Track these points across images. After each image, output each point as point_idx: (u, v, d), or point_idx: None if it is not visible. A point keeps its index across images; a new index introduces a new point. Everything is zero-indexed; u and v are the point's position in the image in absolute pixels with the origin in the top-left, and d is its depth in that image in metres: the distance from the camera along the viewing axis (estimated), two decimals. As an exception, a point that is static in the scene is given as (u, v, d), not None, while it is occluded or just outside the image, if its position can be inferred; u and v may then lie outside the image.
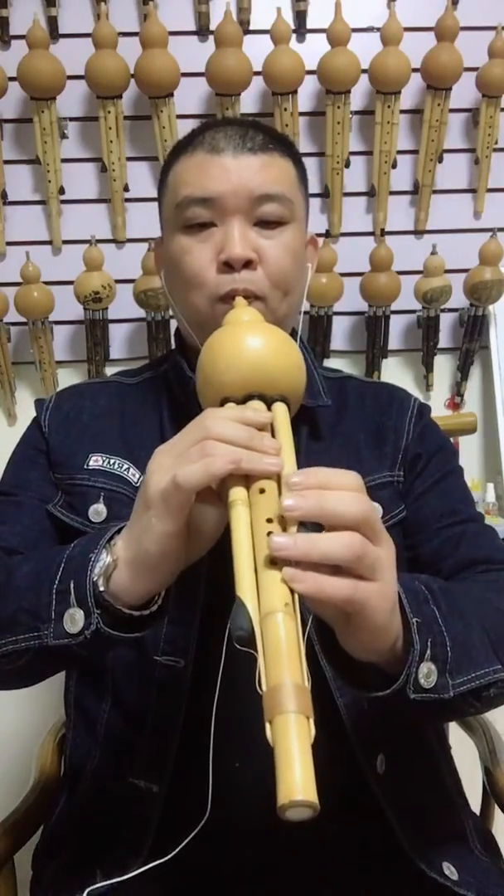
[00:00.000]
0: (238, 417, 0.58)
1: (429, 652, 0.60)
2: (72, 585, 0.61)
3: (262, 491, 0.54)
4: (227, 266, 0.77)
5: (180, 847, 0.61)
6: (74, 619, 0.60)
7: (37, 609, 0.63)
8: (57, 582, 0.62)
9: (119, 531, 0.62)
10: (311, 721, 0.43)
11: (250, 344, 0.64)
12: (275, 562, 0.49)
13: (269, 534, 0.50)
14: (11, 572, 0.69)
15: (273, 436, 0.59)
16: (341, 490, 0.51)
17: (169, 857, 0.62)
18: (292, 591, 0.48)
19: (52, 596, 0.62)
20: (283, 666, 0.45)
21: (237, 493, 0.54)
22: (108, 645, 0.61)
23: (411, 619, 0.59)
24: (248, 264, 0.77)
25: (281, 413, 0.62)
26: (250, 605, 0.48)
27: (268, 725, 0.43)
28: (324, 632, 0.57)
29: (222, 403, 0.63)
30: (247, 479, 0.55)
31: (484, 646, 0.65)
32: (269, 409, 0.62)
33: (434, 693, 0.60)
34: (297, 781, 0.40)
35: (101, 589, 0.59)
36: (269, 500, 0.53)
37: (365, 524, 0.51)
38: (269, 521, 0.52)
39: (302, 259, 0.84)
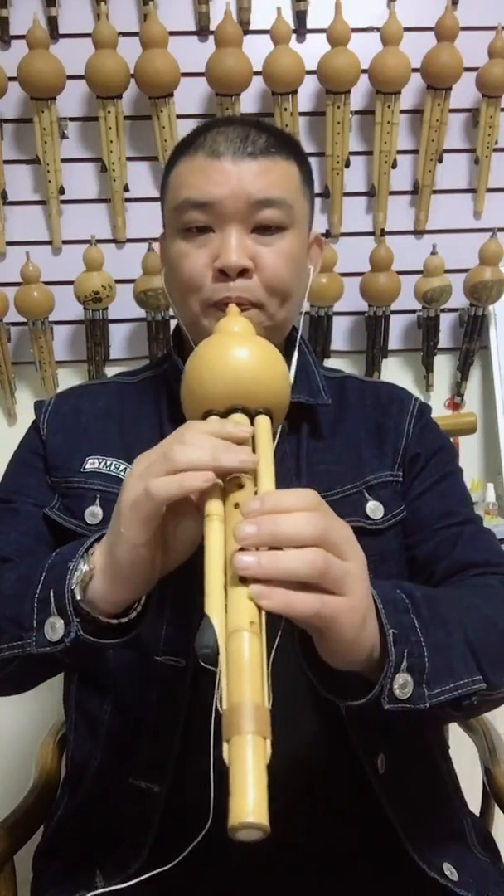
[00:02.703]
0: (218, 431, 0.58)
1: (405, 663, 0.60)
2: (51, 594, 0.61)
3: (236, 506, 0.54)
4: (223, 274, 0.77)
5: (182, 855, 0.61)
6: (55, 628, 0.61)
7: (20, 618, 0.63)
8: (38, 590, 0.63)
9: (99, 539, 0.63)
10: (268, 742, 0.44)
11: (234, 355, 0.64)
12: (244, 578, 0.50)
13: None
14: None
15: (254, 450, 0.59)
16: (297, 512, 0.52)
17: (171, 865, 0.62)
18: (260, 609, 0.49)
19: (33, 604, 0.63)
20: (244, 685, 0.45)
21: (213, 507, 0.55)
22: (90, 651, 0.62)
23: (387, 629, 0.59)
24: (243, 272, 0.77)
25: (263, 427, 0.62)
26: (217, 623, 0.48)
27: (225, 745, 0.44)
28: (305, 640, 0.57)
29: (205, 416, 0.63)
30: (224, 491, 0.56)
31: (464, 655, 0.65)
32: (252, 422, 0.62)
33: (409, 704, 0.60)
34: (248, 804, 0.40)
35: (79, 598, 0.60)
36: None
37: (324, 542, 0.51)
38: None
39: (301, 264, 0.83)
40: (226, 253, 0.76)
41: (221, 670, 0.47)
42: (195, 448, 0.56)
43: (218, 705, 0.45)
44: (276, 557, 0.50)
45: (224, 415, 0.62)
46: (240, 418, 0.62)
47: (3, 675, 0.68)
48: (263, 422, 0.62)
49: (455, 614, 0.67)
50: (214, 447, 0.56)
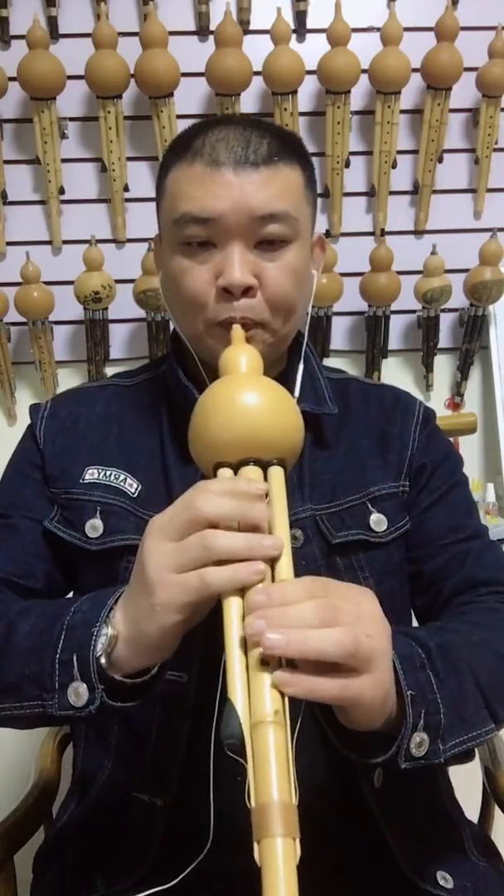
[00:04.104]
0: (231, 491, 0.56)
1: (422, 722, 0.59)
2: (75, 658, 0.60)
3: None
4: (226, 292, 0.74)
5: (180, 878, 0.60)
6: (78, 693, 0.60)
7: (40, 678, 0.62)
8: (59, 652, 0.62)
9: (117, 598, 0.62)
10: (297, 841, 0.44)
11: (244, 406, 0.61)
12: (266, 661, 0.49)
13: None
14: (11, 629, 0.68)
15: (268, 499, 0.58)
16: (303, 602, 0.51)
17: (167, 886, 0.62)
18: (283, 694, 0.48)
19: (55, 666, 0.61)
20: (271, 782, 0.45)
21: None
22: (109, 714, 0.62)
23: (406, 691, 0.59)
24: (247, 290, 0.74)
25: (277, 479, 0.60)
26: (241, 709, 0.48)
27: (256, 845, 0.44)
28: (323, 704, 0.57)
29: (216, 468, 0.61)
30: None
31: (477, 704, 0.65)
32: (264, 471, 0.61)
33: (425, 760, 0.60)
34: None
35: (104, 664, 0.59)
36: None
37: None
38: None
39: (305, 275, 0.80)
40: (229, 271, 0.73)
41: (249, 764, 0.46)
42: (221, 516, 0.55)
43: (247, 801, 0.45)
44: (305, 637, 0.49)
45: (236, 466, 0.61)
46: (253, 473, 0.60)
47: (19, 725, 0.68)
48: (277, 474, 0.60)
49: (466, 657, 0.67)
50: (242, 513, 0.55)
